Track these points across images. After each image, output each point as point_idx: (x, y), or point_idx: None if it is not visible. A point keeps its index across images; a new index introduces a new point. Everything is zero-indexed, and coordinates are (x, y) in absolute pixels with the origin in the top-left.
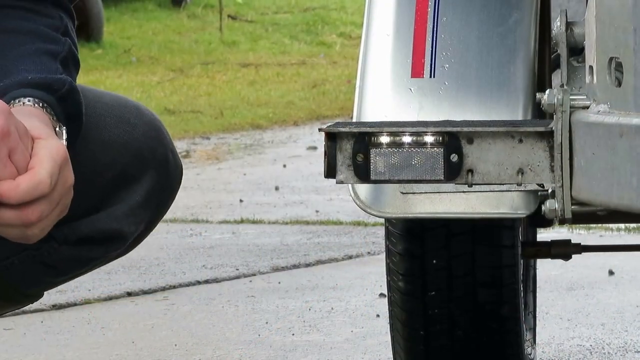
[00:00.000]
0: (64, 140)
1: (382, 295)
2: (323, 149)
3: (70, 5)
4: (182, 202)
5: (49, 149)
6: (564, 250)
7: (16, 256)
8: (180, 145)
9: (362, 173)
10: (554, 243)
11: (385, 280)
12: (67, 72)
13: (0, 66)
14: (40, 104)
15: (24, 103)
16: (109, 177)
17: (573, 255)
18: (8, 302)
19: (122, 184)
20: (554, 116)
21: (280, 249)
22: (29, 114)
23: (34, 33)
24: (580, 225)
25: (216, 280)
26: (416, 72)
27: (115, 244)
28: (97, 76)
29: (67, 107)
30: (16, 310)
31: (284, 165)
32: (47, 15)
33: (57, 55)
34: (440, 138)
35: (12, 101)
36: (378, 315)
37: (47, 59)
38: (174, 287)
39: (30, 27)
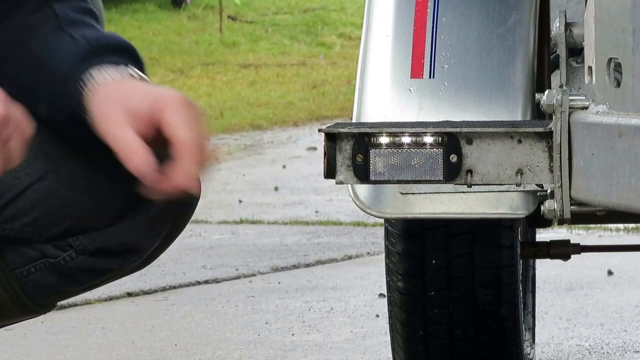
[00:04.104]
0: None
1: (381, 295)
2: (323, 150)
3: None
4: None
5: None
6: (563, 250)
7: (32, 264)
8: None
9: (362, 173)
10: (553, 243)
11: (385, 280)
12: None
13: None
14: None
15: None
16: (128, 189)
17: (572, 256)
18: (22, 311)
19: (141, 197)
20: (553, 117)
21: (279, 250)
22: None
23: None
24: (579, 225)
25: (216, 281)
26: (416, 72)
27: (132, 256)
28: None
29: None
30: None
31: (284, 166)
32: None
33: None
34: (440, 139)
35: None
36: (377, 316)
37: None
38: (174, 287)
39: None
